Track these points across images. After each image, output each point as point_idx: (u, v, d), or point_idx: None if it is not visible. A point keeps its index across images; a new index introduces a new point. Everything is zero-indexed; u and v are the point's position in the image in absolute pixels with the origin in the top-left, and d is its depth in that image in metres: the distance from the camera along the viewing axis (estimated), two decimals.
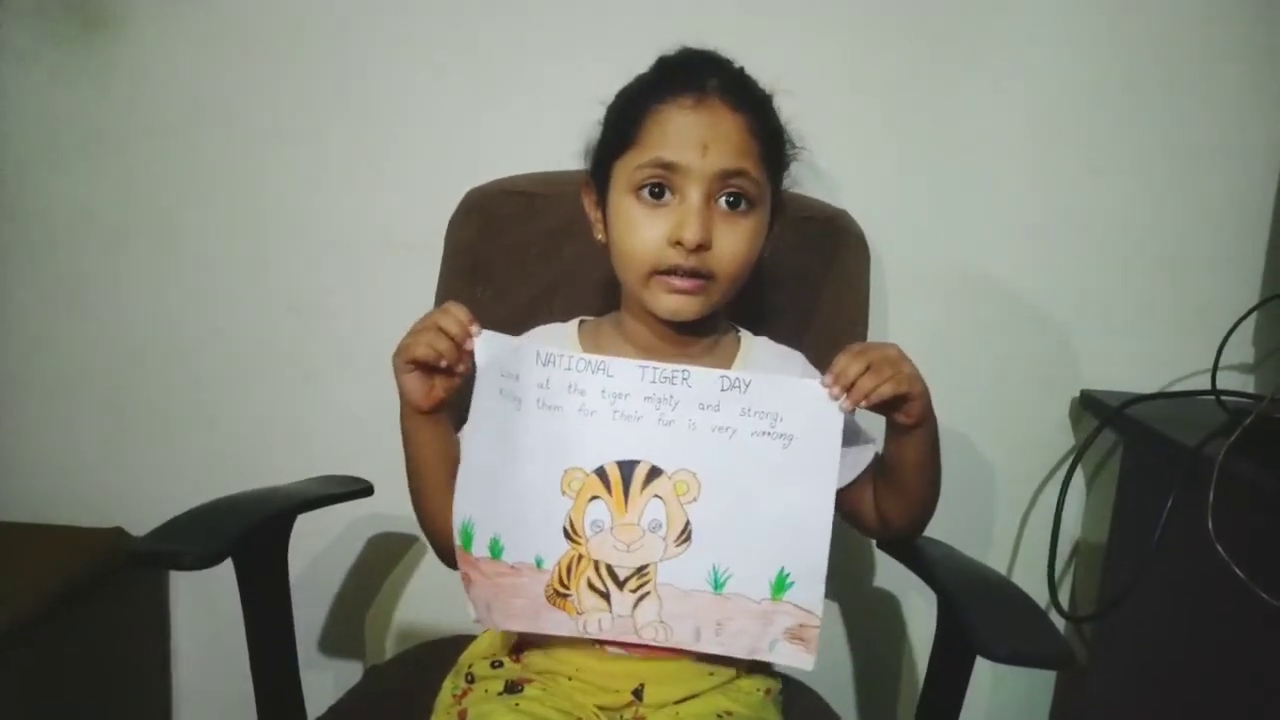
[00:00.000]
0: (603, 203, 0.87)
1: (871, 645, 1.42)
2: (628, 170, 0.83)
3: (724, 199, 0.82)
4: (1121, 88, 1.25)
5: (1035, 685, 1.42)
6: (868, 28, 1.24)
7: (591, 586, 0.79)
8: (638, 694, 0.85)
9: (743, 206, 0.82)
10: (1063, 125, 1.26)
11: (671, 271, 0.81)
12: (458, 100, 1.28)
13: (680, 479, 0.78)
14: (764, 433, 0.77)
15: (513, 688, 0.85)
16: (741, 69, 0.86)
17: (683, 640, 0.80)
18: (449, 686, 0.90)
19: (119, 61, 1.29)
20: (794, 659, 0.79)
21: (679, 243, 0.80)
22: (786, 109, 0.89)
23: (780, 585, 0.78)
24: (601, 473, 0.78)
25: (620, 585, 0.79)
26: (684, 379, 0.78)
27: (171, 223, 1.33)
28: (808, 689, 1.07)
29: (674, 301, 0.83)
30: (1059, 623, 1.30)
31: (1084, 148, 1.26)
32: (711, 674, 0.86)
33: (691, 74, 0.82)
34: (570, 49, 1.25)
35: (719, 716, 0.83)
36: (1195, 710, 1.05)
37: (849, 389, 0.76)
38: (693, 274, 0.81)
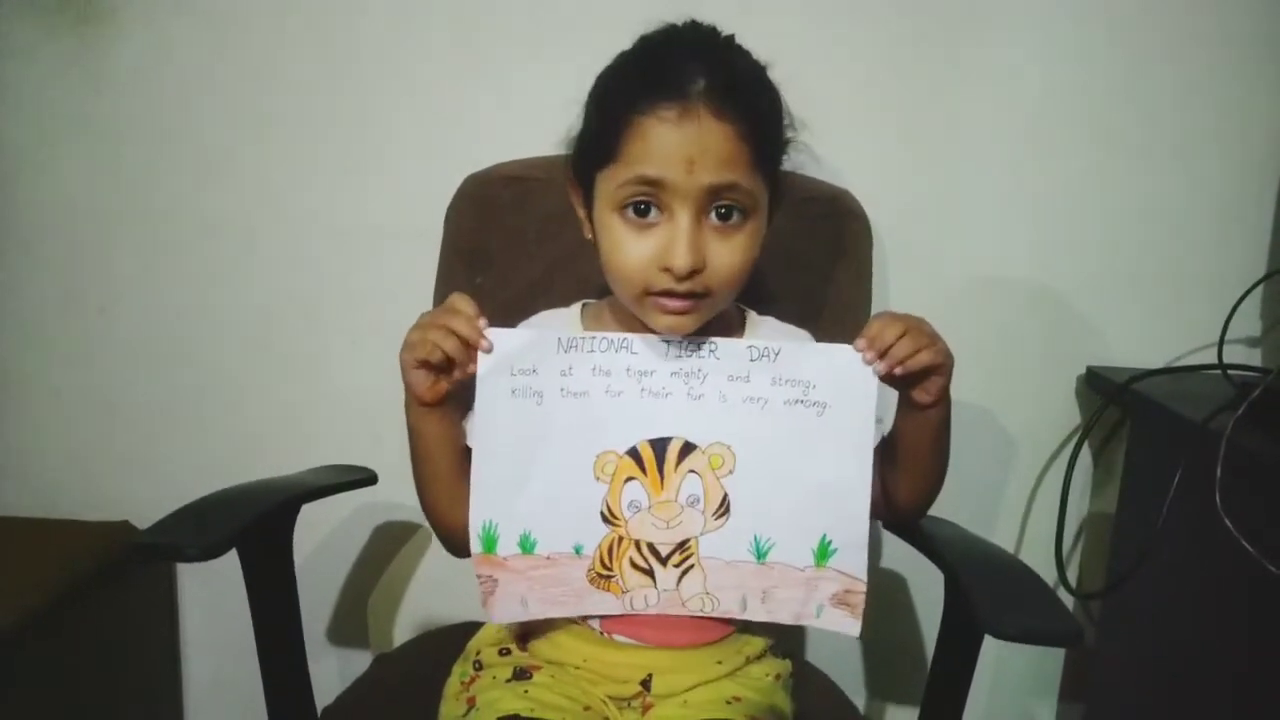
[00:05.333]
0: (588, 205, 0.83)
1: (879, 625, 1.40)
2: (611, 186, 0.77)
3: (715, 212, 0.76)
4: (1125, 61, 1.24)
5: (1043, 662, 1.42)
6: (868, 6, 1.23)
7: (635, 565, 0.80)
8: (645, 685, 0.84)
9: (735, 218, 0.76)
10: (1066, 101, 1.25)
11: (665, 294, 0.77)
12: (453, 86, 1.27)
13: (714, 452, 0.78)
14: (797, 401, 0.77)
15: (521, 674, 0.85)
16: (730, 42, 0.80)
17: (730, 610, 0.81)
18: (457, 673, 0.90)
19: (114, 55, 1.28)
20: (840, 624, 0.80)
21: (669, 268, 0.75)
22: (785, 93, 0.87)
23: (823, 552, 0.79)
24: (634, 453, 0.78)
25: (663, 561, 0.79)
26: (711, 351, 0.78)
27: (169, 214, 1.32)
28: (817, 671, 1.07)
29: (669, 321, 0.78)
30: (1067, 600, 1.30)
31: (1087, 123, 1.25)
32: (720, 663, 0.86)
33: (674, 76, 0.74)
34: (566, 32, 1.24)
35: (728, 703, 0.82)
36: (1204, 685, 1.05)
37: (883, 354, 0.75)
38: (687, 295, 0.77)
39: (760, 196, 0.79)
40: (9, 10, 1.28)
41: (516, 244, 1.11)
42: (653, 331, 0.81)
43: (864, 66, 1.25)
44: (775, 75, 0.83)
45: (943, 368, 0.77)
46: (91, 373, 1.38)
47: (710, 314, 0.81)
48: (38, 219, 1.34)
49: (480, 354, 0.76)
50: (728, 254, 0.77)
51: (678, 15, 0.83)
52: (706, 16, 0.83)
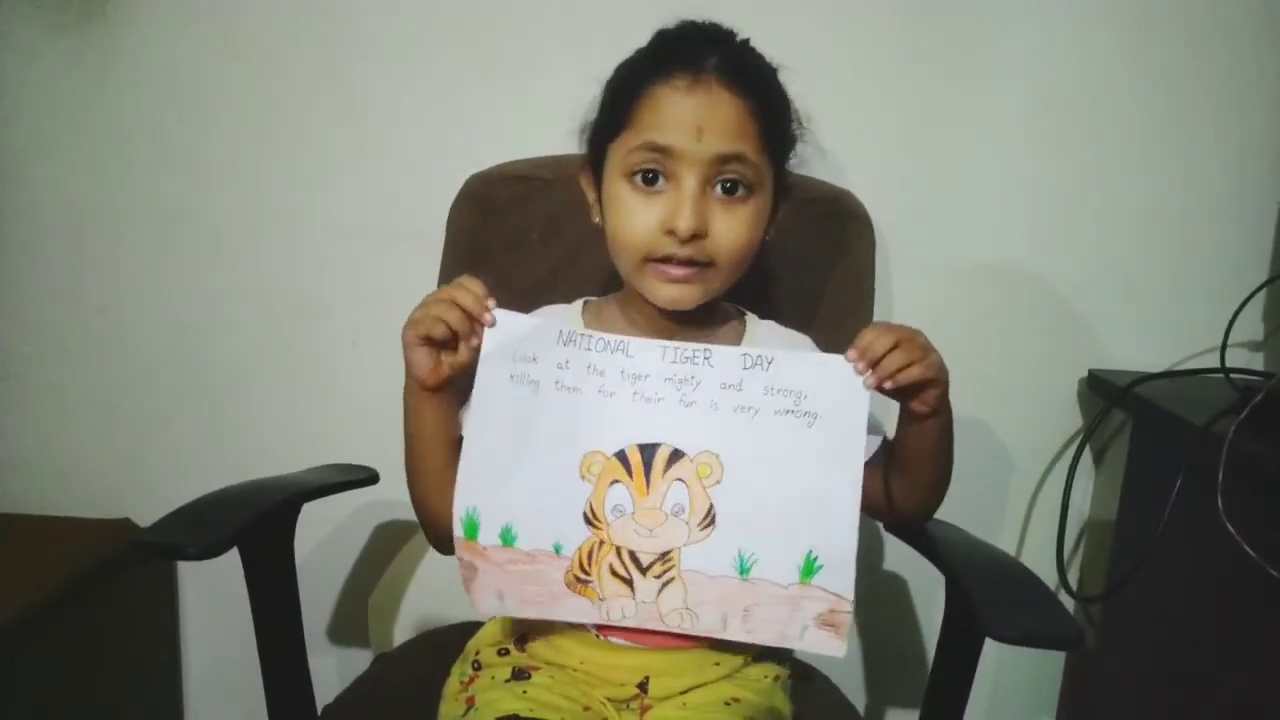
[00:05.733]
0: (599, 186, 0.85)
1: (880, 628, 1.41)
2: (621, 154, 0.80)
3: (720, 185, 0.78)
4: (1127, 65, 1.24)
5: (1044, 666, 1.42)
6: (870, 7, 1.23)
7: (614, 573, 0.78)
8: (643, 686, 0.84)
9: (740, 192, 0.79)
10: (1068, 103, 1.25)
11: (666, 260, 0.79)
12: (455, 86, 1.27)
13: (703, 461, 0.77)
14: (788, 411, 0.76)
15: (520, 675, 0.85)
16: (745, 43, 0.83)
17: (710, 628, 0.78)
18: (456, 673, 0.90)
19: (117, 53, 1.28)
20: (825, 646, 0.77)
21: (673, 232, 0.77)
22: (790, 92, 0.88)
23: (809, 569, 0.76)
24: (622, 456, 0.77)
25: (644, 571, 0.77)
26: (705, 358, 0.76)
27: (171, 213, 1.32)
28: (816, 673, 1.07)
29: (670, 291, 0.80)
30: (1067, 603, 1.30)
31: (1090, 126, 1.25)
32: (718, 664, 0.86)
33: (688, 52, 0.78)
34: (568, 31, 1.24)
35: (726, 704, 0.82)
36: (1205, 689, 1.04)
37: (874, 365, 0.74)
38: (688, 262, 0.79)
39: (765, 176, 0.81)
40: (11, 9, 1.28)
41: (518, 244, 1.11)
42: (655, 308, 0.83)
43: (867, 68, 1.25)
44: (781, 74, 0.85)
45: (936, 381, 0.76)
46: (93, 371, 1.38)
47: (710, 290, 0.82)
48: (40, 217, 1.34)
49: (486, 333, 0.76)
50: (731, 225, 0.79)
51: (687, 15, 0.84)
52: (714, 16, 0.84)
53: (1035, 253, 1.29)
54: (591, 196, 0.88)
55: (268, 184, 1.31)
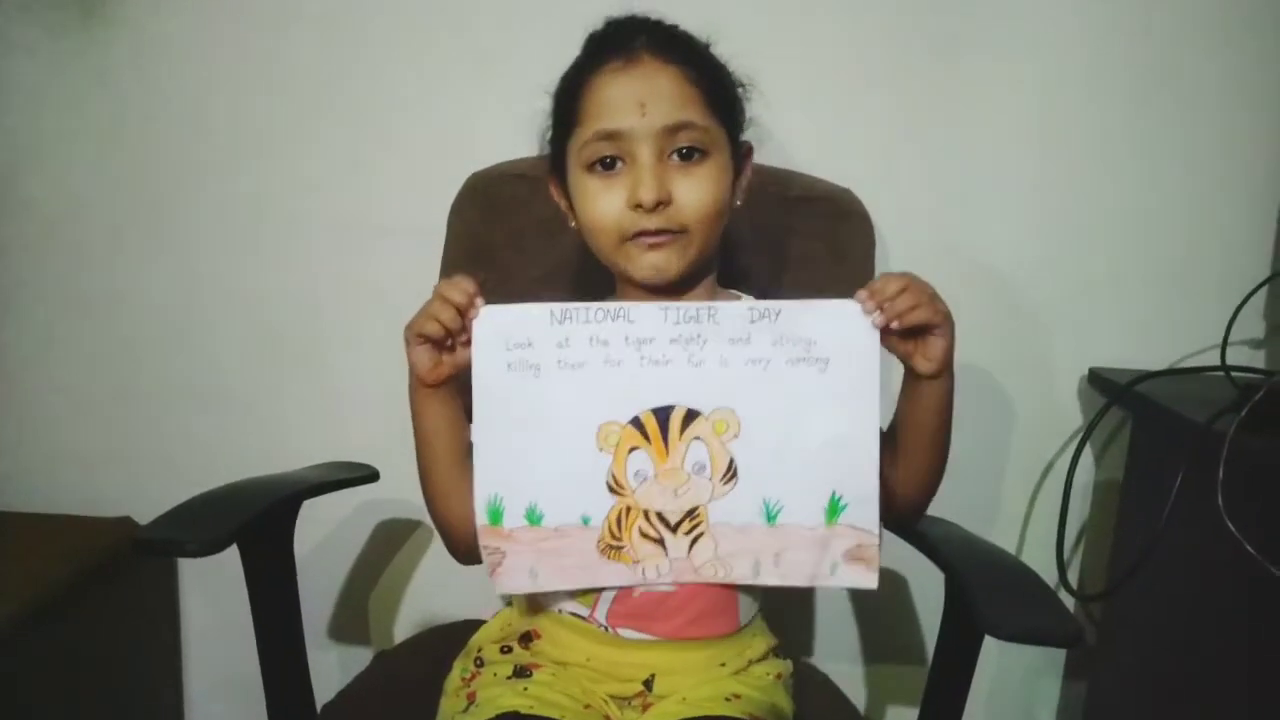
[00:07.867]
0: (566, 190, 0.87)
1: (880, 626, 1.41)
2: (577, 149, 0.82)
3: (675, 154, 0.80)
4: (1126, 61, 1.23)
5: (1044, 664, 1.42)
6: (874, 5, 1.23)
7: (644, 535, 0.79)
8: (648, 684, 0.84)
9: (696, 157, 0.81)
10: (1069, 102, 1.24)
11: (640, 235, 0.81)
12: (457, 84, 1.27)
13: (719, 418, 0.78)
14: (799, 359, 0.76)
15: (521, 672, 0.85)
16: (674, 25, 0.84)
17: (743, 575, 0.80)
18: (458, 669, 0.90)
19: (117, 52, 1.28)
20: (856, 580, 0.79)
21: (639, 205, 0.79)
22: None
23: (834, 509, 0.78)
24: (637, 423, 0.78)
25: (673, 530, 0.79)
26: (710, 316, 0.77)
27: (172, 212, 1.33)
28: (817, 671, 1.07)
29: (650, 258, 0.81)
30: (1067, 601, 1.30)
31: (1089, 122, 1.25)
32: (723, 664, 0.86)
33: (618, 37, 0.82)
34: (570, 29, 1.23)
35: (727, 700, 0.82)
36: (1205, 687, 1.05)
37: (882, 306, 0.75)
38: (661, 232, 0.80)
39: (718, 137, 0.82)
40: (11, 6, 1.28)
41: (519, 242, 1.11)
42: (647, 293, 0.84)
43: (868, 66, 1.24)
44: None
45: (942, 328, 0.76)
46: (94, 369, 1.38)
47: (688, 257, 0.82)
48: (40, 215, 1.34)
49: (474, 329, 0.77)
50: (693, 188, 0.80)
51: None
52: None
53: (1036, 250, 1.29)
54: (563, 204, 0.89)
55: (269, 182, 1.31)
